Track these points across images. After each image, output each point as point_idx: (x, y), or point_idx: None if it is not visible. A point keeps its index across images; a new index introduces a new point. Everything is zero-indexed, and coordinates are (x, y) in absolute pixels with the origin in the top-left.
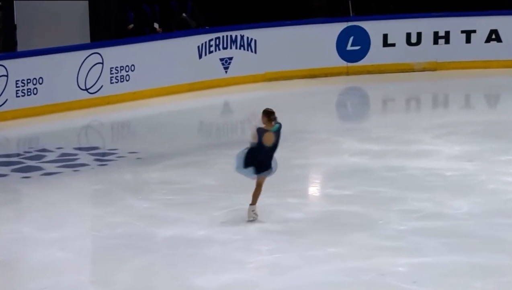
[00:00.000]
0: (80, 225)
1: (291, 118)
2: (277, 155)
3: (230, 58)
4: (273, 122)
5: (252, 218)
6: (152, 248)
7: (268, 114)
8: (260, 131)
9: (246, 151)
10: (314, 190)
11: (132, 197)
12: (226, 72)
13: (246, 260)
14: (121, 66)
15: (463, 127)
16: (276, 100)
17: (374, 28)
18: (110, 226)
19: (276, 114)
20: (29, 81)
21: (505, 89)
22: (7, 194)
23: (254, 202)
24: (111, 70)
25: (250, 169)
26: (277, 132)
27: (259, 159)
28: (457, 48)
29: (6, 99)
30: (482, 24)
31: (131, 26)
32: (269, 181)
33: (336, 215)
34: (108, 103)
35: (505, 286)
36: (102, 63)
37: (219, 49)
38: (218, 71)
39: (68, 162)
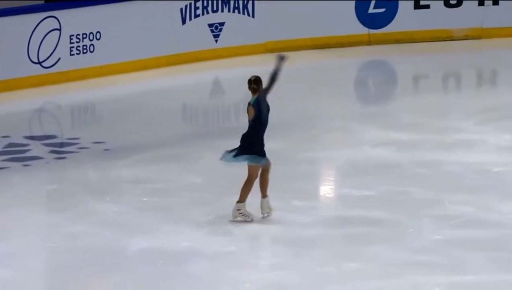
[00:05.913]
0: (31, 235)
1: (298, 100)
2: (280, 146)
3: (222, 24)
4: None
5: (240, 218)
6: (122, 264)
7: (249, 82)
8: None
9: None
10: (326, 190)
11: (97, 200)
12: (216, 41)
13: (241, 278)
14: (83, 34)
15: None
16: (279, 77)
17: None
18: (69, 237)
19: (280, 94)
20: None
21: None
22: None
23: (243, 199)
24: (71, 39)
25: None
26: (255, 106)
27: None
28: (508, 10)
29: None
30: None
31: None
32: (270, 178)
33: (355, 221)
34: (67, 80)
35: None
36: (60, 29)
37: (208, 13)
38: (206, 41)
39: (16, 154)
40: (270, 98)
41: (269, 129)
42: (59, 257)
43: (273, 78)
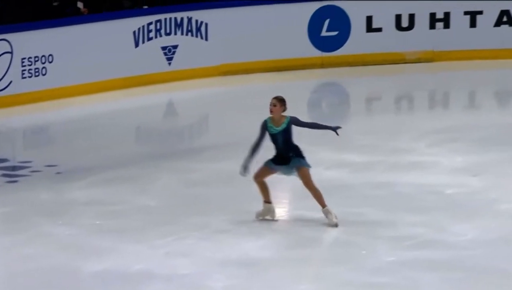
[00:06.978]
0: None
1: (251, 121)
2: (232, 167)
3: (175, 47)
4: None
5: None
6: (77, 287)
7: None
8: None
9: None
10: (279, 211)
11: (50, 222)
12: (169, 64)
13: None
14: (35, 57)
15: (467, 132)
16: (233, 99)
17: (356, 8)
18: (22, 259)
19: (234, 116)
20: None
21: None
22: None
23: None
24: (22, 62)
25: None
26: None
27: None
28: (459, 34)
29: None
30: (490, 4)
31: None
32: (221, 200)
33: (309, 243)
34: (20, 103)
35: None
36: (11, 52)
37: (161, 36)
38: (159, 63)
39: None
40: (222, 118)
41: (221, 150)
42: (13, 279)
43: (318, 126)
